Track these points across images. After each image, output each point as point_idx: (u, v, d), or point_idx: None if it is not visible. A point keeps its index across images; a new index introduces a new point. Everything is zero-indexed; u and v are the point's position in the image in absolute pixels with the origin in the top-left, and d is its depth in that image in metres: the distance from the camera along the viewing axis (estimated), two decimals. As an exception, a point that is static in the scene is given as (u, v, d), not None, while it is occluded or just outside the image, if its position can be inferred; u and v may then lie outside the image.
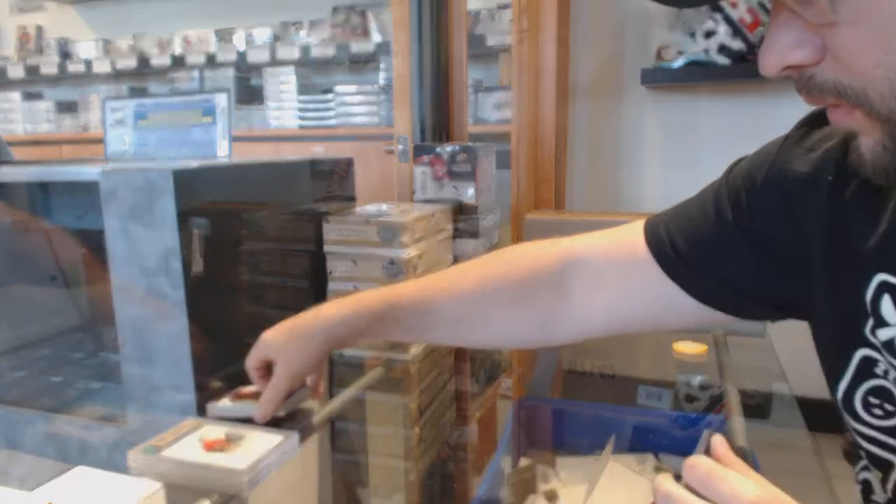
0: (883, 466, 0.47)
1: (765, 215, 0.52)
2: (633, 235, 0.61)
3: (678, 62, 2.03)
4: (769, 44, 0.38)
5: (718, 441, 0.42)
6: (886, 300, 0.43)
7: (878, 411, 0.46)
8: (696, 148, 2.23)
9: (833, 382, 0.49)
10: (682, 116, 2.22)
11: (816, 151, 0.49)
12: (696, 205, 0.59)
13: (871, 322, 0.45)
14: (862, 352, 0.46)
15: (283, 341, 0.69)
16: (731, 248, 0.54)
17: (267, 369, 0.71)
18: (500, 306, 0.65)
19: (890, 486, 0.47)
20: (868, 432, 0.47)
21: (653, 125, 2.27)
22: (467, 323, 0.66)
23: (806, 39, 0.37)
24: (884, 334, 0.44)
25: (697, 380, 0.98)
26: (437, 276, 0.70)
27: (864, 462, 0.50)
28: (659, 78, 2.10)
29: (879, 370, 0.46)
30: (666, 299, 0.58)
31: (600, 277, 0.62)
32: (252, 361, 0.71)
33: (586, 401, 0.98)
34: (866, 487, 0.51)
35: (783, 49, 0.37)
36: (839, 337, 0.48)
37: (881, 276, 0.44)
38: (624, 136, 2.30)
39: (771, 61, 0.38)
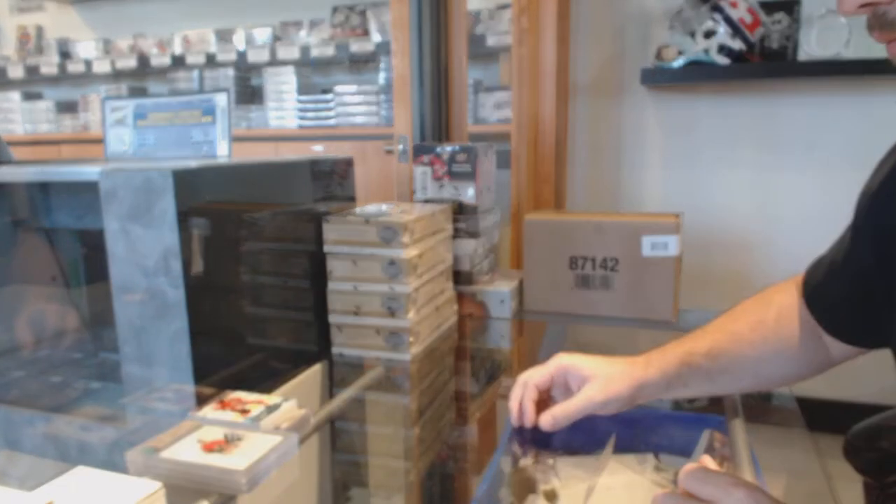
0: None
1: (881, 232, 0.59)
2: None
3: (678, 62, 2.03)
4: None
5: (707, 458, 0.46)
6: None
7: None
8: (696, 148, 2.23)
9: None
10: (682, 116, 2.22)
11: None
12: (834, 254, 0.68)
13: None
14: None
15: (590, 370, 0.71)
16: (862, 277, 0.62)
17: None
18: (771, 349, 0.71)
19: None
20: None
21: (653, 125, 2.27)
22: (747, 367, 0.71)
23: None
24: None
25: (697, 380, 0.97)
26: (710, 327, 0.74)
27: None
28: (659, 78, 2.10)
29: None
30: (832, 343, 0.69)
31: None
32: (540, 378, 0.73)
33: (586, 401, 0.97)
34: None
35: None
36: None
37: None
38: (624, 135, 2.30)
39: None
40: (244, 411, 0.72)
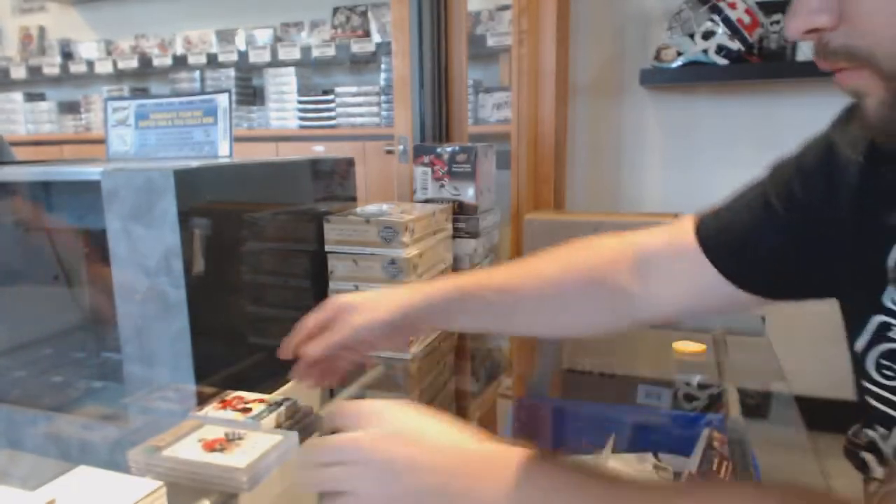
0: (888, 424, 0.52)
1: (811, 195, 0.56)
2: (686, 233, 0.65)
3: (677, 63, 2.03)
4: (795, 8, 0.42)
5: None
6: None
7: (888, 373, 0.51)
8: (696, 148, 2.23)
9: (850, 342, 0.54)
10: (681, 116, 2.23)
11: (857, 129, 0.53)
12: (742, 200, 0.63)
13: (889, 289, 0.49)
14: (878, 318, 0.50)
15: (359, 301, 0.69)
16: (778, 235, 0.58)
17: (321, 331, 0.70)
18: (578, 291, 0.68)
19: (892, 442, 0.52)
20: (878, 391, 0.52)
21: (652, 125, 2.27)
22: (546, 306, 0.69)
23: (826, 6, 0.41)
24: None
25: (697, 379, 0.98)
26: (513, 264, 0.72)
27: (864, 423, 0.55)
28: (658, 78, 2.10)
29: (894, 334, 0.49)
30: (714, 290, 0.62)
31: (668, 270, 0.66)
32: (314, 319, 0.70)
33: (586, 400, 0.98)
34: (870, 447, 0.55)
35: (807, 13, 0.41)
36: (859, 302, 0.52)
37: None
38: (623, 136, 2.31)
39: (796, 24, 0.42)
40: (245, 410, 0.73)
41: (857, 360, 0.53)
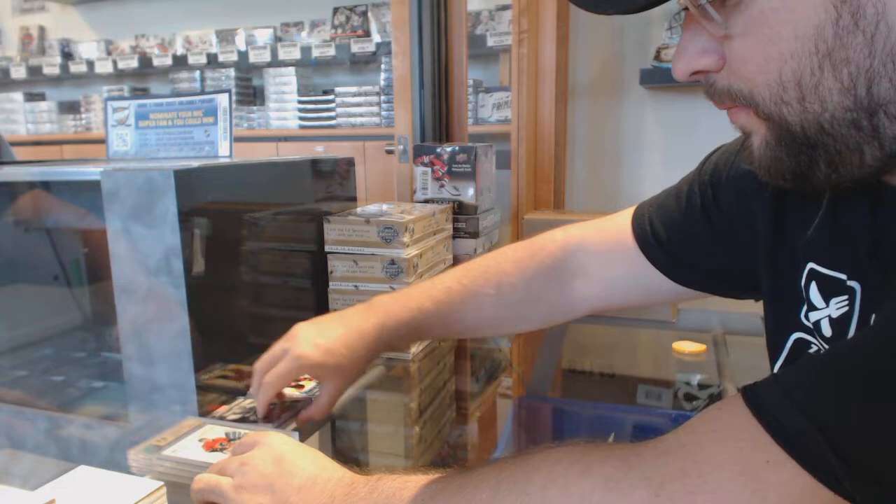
0: None
1: (727, 206, 0.59)
2: (619, 224, 0.69)
3: (678, 62, 2.03)
4: (680, 51, 0.42)
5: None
6: (814, 286, 0.48)
7: None
8: (696, 148, 2.23)
9: (771, 363, 0.54)
10: (681, 116, 2.23)
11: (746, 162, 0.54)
12: (674, 195, 0.67)
13: (805, 307, 0.50)
14: (797, 335, 0.51)
15: (324, 360, 0.69)
16: (700, 234, 0.62)
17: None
18: (514, 303, 0.72)
19: None
20: None
21: (652, 125, 2.27)
22: (500, 321, 0.74)
23: (710, 48, 0.41)
24: (813, 317, 0.49)
25: (697, 379, 0.98)
26: (461, 275, 0.75)
27: None
28: (658, 78, 2.10)
29: (812, 351, 0.50)
30: (646, 280, 0.66)
31: (589, 263, 0.70)
32: (285, 380, 0.70)
33: (586, 400, 0.98)
34: None
35: (691, 56, 0.41)
36: (779, 320, 0.53)
37: (811, 265, 0.49)
38: (623, 136, 2.31)
39: (681, 66, 0.42)
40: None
41: None
